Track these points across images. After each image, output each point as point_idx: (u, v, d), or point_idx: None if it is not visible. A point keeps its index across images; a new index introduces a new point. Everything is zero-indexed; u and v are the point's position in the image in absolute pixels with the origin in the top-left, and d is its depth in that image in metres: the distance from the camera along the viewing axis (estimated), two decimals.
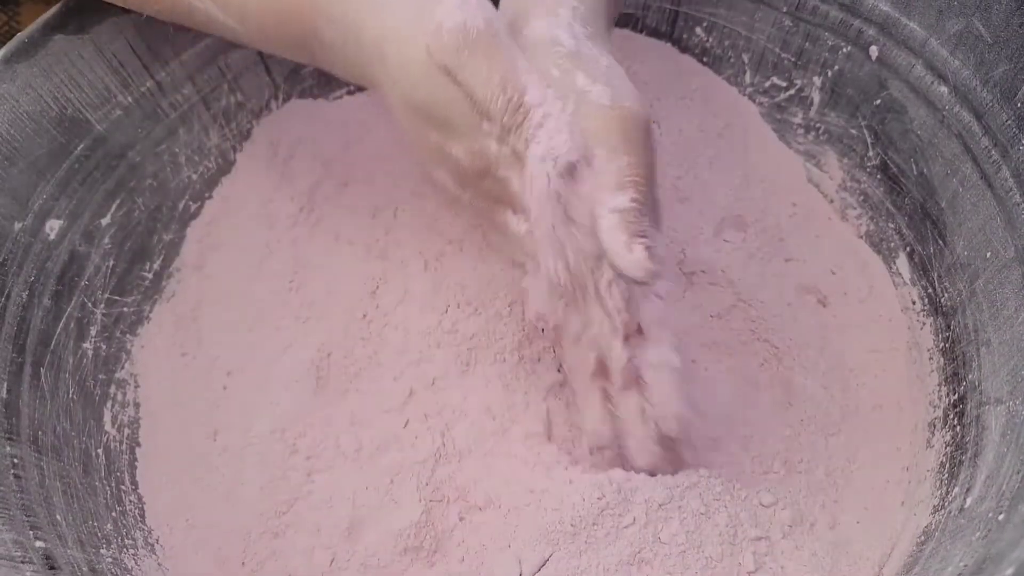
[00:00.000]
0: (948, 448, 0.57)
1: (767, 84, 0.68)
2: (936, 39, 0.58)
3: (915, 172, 0.62)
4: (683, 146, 0.69)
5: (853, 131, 0.65)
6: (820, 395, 0.62)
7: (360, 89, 0.70)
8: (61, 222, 0.57)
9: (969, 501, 0.51)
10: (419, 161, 0.53)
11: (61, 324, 0.56)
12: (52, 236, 0.57)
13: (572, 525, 0.53)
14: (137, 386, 0.61)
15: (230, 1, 0.52)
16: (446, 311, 0.61)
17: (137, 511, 0.56)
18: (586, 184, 0.47)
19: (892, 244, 0.65)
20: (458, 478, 0.57)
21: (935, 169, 0.60)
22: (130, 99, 0.60)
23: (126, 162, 0.60)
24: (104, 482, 0.55)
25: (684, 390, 0.52)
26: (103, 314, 0.59)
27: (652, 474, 0.55)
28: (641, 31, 0.72)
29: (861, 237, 0.67)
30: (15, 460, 0.50)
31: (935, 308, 0.61)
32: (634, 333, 0.51)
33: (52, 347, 0.56)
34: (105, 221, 0.60)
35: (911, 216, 0.63)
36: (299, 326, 0.63)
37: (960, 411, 0.57)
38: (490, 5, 0.47)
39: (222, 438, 0.59)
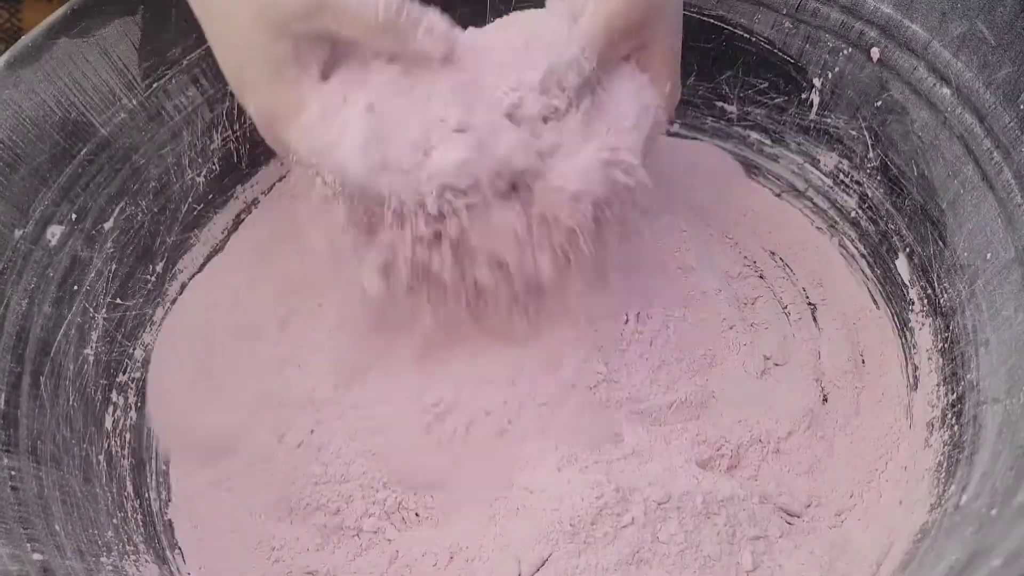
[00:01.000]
0: (946, 447, 0.57)
1: (765, 85, 0.68)
2: (939, 41, 0.58)
3: (916, 173, 0.61)
4: None
5: (853, 132, 0.65)
6: (816, 396, 0.63)
7: None
8: (63, 228, 0.57)
9: (964, 499, 0.51)
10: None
11: (62, 331, 0.56)
12: (53, 242, 0.56)
13: (571, 525, 0.54)
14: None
15: None
16: None
17: (140, 516, 0.56)
18: None
19: (892, 245, 0.65)
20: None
21: (936, 171, 0.60)
22: (134, 102, 0.60)
23: (130, 165, 0.60)
24: (105, 488, 0.55)
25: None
26: (105, 319, 0.59)
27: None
28: None
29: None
30: (12, 472, 0.50)
31: (934, 309, 0.61)
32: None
33: (52, 355, 0.56)
34: (108, 225, 0.59)
35: (911, 217, 0.63)
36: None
37: (958, 411, 0.57)
38: None
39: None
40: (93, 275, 0.59)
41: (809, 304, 0.68)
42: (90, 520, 0.53)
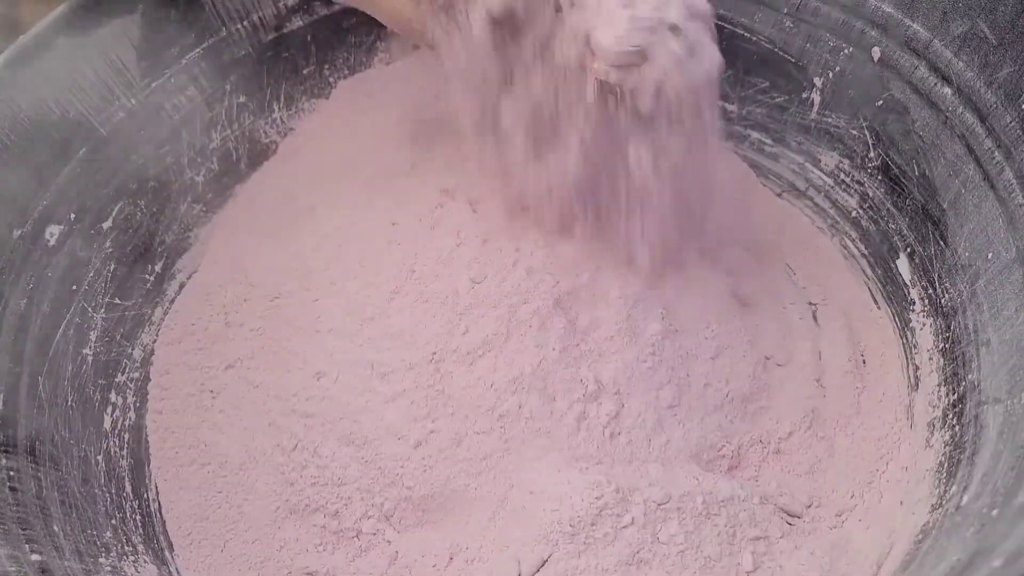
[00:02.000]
0: (947, 448, 0.57)
1: (766, 85, 0.68)
2: (940, 40, 0.57)
3: (917, 173, 0.61)
4: None
5: (854, 132, 0.65)
6: (817, 396, 0.63)
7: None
8: (61, 227, 0.57)
9: (965, 499, 0.51)
10: None
11: (60, 331, 0.56)
12: (52, 242, 0.56)
13: (571, 525, 0.54)
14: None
15: None
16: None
17: (139, 517, 0.56)
18: None
19: (893, 245, 0.64)
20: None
21: (937, 170, 0.60)
22: (133, 101, 0.60)
23: (128, 165, 0.60)
24: (104, 489, 0.55)
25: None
26: (103, 319, 0.59)
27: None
28: None
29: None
30: (11, 472, 0.50)
31: (935, 309, 0.61)
32: None
33: (50, 355, 0.56)
34: (107, 225, 0.60)
35: (912, 217, 0.63)
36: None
37: (959, 411, 0.57)
38: None
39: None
40: (92, 275, 0.59)
41: (810, 304, 0.67)
42: (89, 521, 0.53)
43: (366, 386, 0.60)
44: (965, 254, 0.58)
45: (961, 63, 0.57)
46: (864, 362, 0.65)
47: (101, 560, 0.51)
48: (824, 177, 0.69)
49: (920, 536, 0.53)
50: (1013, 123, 0.54)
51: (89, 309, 0.58)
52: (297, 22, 0.67)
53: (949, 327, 0.60)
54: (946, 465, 0.56)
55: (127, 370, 0.60)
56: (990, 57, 0.55)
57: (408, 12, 0.53)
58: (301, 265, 0.64)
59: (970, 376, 0.57)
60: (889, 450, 0.61)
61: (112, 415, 0.58)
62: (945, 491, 0.54)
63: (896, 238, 0.64)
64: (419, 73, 0.71)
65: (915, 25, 0.58)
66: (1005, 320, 0.54)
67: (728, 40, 0.67)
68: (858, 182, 0.66)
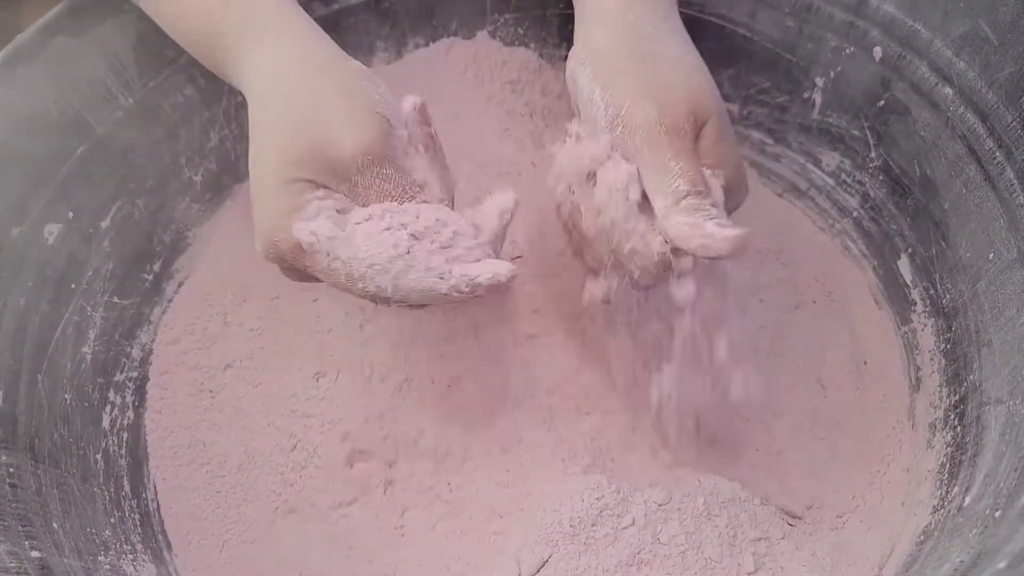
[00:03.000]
0: (948, 449, 0.57)
1: (768, 85, 0.68)
2: (941, 40, 0.57)
3: (918, 173, 0.61)
4: None
5: (855, 132, 0.65)
6: (817, 397, 0.63)
7: None
8: (60, 226, 0.57)
9: (968, 500, 0.51)
10: None
11: (59, 329, 0.56)
12: (51, 240, 0.56)
13: (571, 526, 0.54)
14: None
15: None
16: None
17: (137, 516, 0.56)
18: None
19: (894, 245, 0.64)
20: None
21: (938, 171, 0.60)
22: (131, 100, 0.60)
23: (126, 164, 0.60)
24: (102, 488, 0.55)
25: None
26: (102, 318, 0.59)
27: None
28: None
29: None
30: (11, 469, 0.50)
31: (937, 309, 0.61)
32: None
33: (50, 353, 0.56)
34: (105, 224, 0.59)
35: (913, 217, 0.62)
36: None
37: (961, 412, 0.57)
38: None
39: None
40: (90, 273, 0.59)
41: (811, 304, 0.67)
42: (88, 519, 0.53)
43: (366, 386, 0.60)
44: (966, 255, 0.58)
45: (962, 63, 0.56)
46: (865, 363, 0.64)
47: (100, 558, 0.51)
48: (825, 177, 0.69)
49: (922, 537, 0.54)
50: (1014, 123, 0.54)
51: (88, 308, 0.58)
52: None
53: (950, 328, 0.60)
54: (948, 466, 0.56)
55: (126, 369, 0.60)
56: (991, 57, 0.55)
57: None
58: None
59: (971, 377, 0.57)
60: (890, 451, 0.61)
61: (111, 414, 0.58)
62: (947, 492, 0.54)
63: (897, 238, 0.64)
64: (419, 73, 0.71)
65: (916, 25, 0.58)
66: (1007, 321, 0.54)
67: (729, 40, 0.67)
68: (859, 182, 0.66)
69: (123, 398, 0.59)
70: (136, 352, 0.61)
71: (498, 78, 0.71)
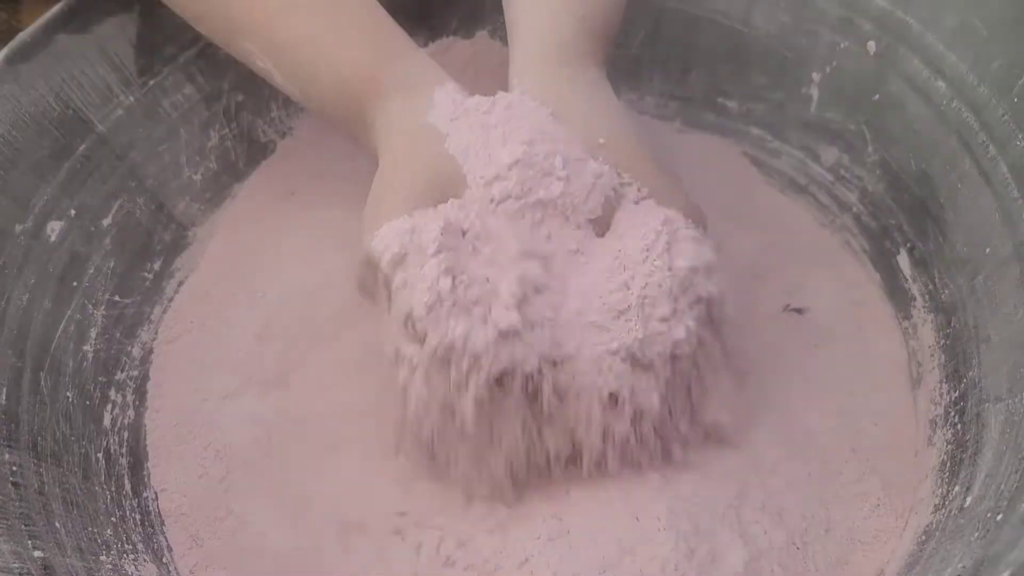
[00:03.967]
0: (949, 446, 0.56)
1: (765, 81, 0.68)
2: (933, 34, 0.57)
3: (915, 168, 0.61)
4: None
5: (852, 127, 0.65)
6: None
7: None
8: (62, 223, 0.57)
9: (969, 500, 0.50)
10: None
11: (61, 327, 0.57)
12: (53, 238, 0.57)
13: None
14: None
15: (297, 72, 0.55)
16: None
17: (138, 516, 0.56)
18: None
19: (893, 240, 0.64)
20: None
21: (934, 165, 0.59)
22: (132, 99, 0.60)
23: (127, 162, 0.61)
24: (104, 487, 0.55)
25: None
26: (103, 316, 0.60)
27: None
28: None
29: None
30: (14, 468, 0.50)
31: (936, 305, 0.61)
32: None
33: (52, 351, 0.56)
34: (106, 222, 0.60)
35: (911, 212, 0.62)
36: None
37: (961, 409, 0.56)
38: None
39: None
40: (92, 271, 0.59)
41: (811, 301, 0.67)
42: (89, 518, 0.53)
43: None
44: (964, 249, 0.58)
45: (953, 56, 0.56)
46: (866, 358, 0.64)
47: (102, 558, 0.51)
48: (824, 173, 0.68)
49: (923, 537, 0.53)
50: (1006, 116, 0.54)
51: (89, 306, 0.59)
52: None
53: (950, 323, 0.59)
54: (948, 464, 0.55)
55: (126, 368, 0.60)
56: (982, 50, 0.55)
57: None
58: (300, 264, 0.65)
59: (971, 373, 0.56)
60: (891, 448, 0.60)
61: (111, 412, 0.58)
62: (948, 491, 0.54)
63: (896, 233, 0.64)
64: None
65: (908, 18, 0.58)
66: (1004, 317, 0.54)
67: (726, 36, 0.67)
68: (858, 177, 0.66)
69: (124, 397, 0.60)
70: (137, 351, 0.62)
71: (498, 78, 0.72)
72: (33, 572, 0.46)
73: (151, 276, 0.63)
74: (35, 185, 0.56)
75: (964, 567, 0.45)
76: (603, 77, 0.55)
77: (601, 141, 0.52)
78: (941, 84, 0.57)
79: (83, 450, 0.55)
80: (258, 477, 0.58)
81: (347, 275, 0.55)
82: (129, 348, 0.61)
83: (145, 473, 0.58)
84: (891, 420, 0.61)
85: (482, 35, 0.72)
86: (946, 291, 0.60)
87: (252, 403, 0.61)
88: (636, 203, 0.52)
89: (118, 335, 0.61)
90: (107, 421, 0.58)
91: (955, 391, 0.57)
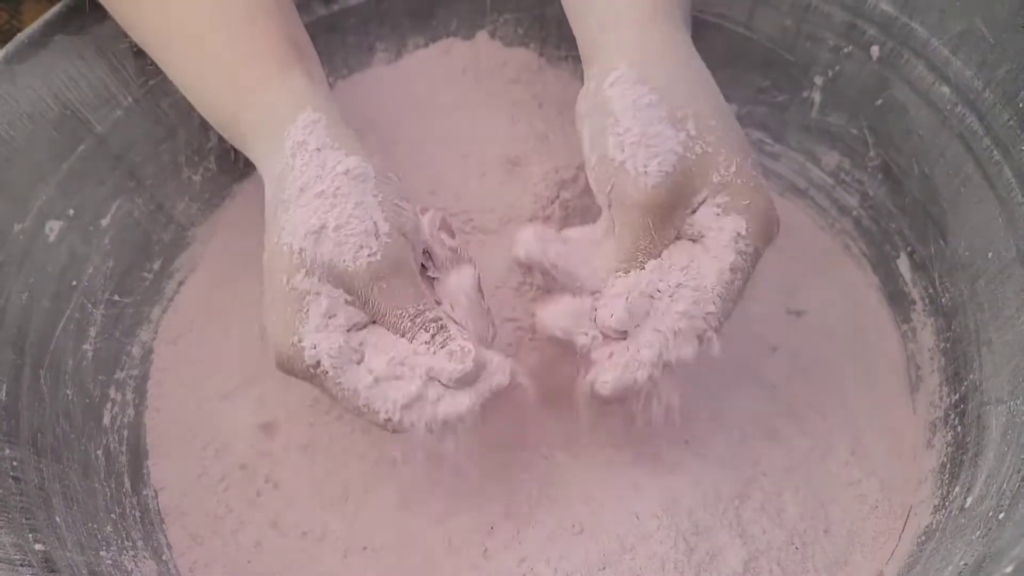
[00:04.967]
0: (949, 448, 0.57)
1: (767, 84, 0.68)
2: (938, 39, 0.57)
3: (917, 172, 0.61)
4: None
5: (854, 131, 0.65)
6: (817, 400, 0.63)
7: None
8: (61, 223, 0.57)
9: (970, 500, 0.51)
10: None
11: (60, 326, 0.57)
12: (52, 237, 0.57)
13: None
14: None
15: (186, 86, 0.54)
16: None
17: (137, 513, 0.57)
18: None
19: (894, 244, 0.64)
20: None
21: (937, 169, 0.60)
22: (130, 99, 0.60)
23: (126, 163, 0.61)
24: (103, 484, 0.56)
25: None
26: (103, 315, 0.60)
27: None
28: None
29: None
30: (15, 463, 0.51)
31: (936, 308, 0.61)
32: None
33: (51, 349, 0.56)
34: (105, 222, 0.60)
35: (912, 216, 0.62)
36: None
37: (961, 411, 0.57)
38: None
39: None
40: (91, 271, 0.59)
41: (811, 304, 0.67)
42: (89, 514, 0.53)
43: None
44: (965, 253, 0.58)
45: (959, 62, 0.56)
46: (866, 360, 0.64)
47: (102, 553, 0.52)
48: (825, 176, 0.69)
49: (923, 537, 0.54)
50: (1011, 121, 0.54)
51: (88, 305, 0.59)
52: None
53: (950, 327, 0.60)
54: (948, 466, 0.56)
55: (126, 367, 0.61)
56: (988, 56, 0.55)
57: None
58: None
59: (972, 376, 0.57)
60: (891, 450, 0.60)
61: (111, 411, 0.59)
62: (948, 492, 0.54)
63: (897, 237, 0.64)
64: (419, 74, 0.71)
65: (913, 23, 0.58)
66: (1006, 320, 0.54)
67: (728, 39, 0.67)
68: (859, 181, 0.66)
69: (123, 395, 0.60)
70: (136, 350, 0.62)
71: (498, 78, 0.72)
72: (34, 564, 0.47)
73: (151, 276, 0.63)
74: (34, 185, 0.56)
75: (966, 564, 0.45)
76: (690, 41, 0.53)
77: (689, 112, 0.49)
78: (945, 89, 0.58)
79: (83, 447, 0.56)
80: (257, 476, 0.58)
81: None
82: (129, 347, 0.61)
83: (145, 471, 0.59)
84: (889, 423, 0.61)
85: (482, 35, 0.72)
86: (946, 295, 0.60)
87: (252, 403, 0.61)
88: (717, 210, 0.50)
89: (118, 334, 0.61)
90: (107, 419, 0.58)
91: (955, 394, 0.58)
